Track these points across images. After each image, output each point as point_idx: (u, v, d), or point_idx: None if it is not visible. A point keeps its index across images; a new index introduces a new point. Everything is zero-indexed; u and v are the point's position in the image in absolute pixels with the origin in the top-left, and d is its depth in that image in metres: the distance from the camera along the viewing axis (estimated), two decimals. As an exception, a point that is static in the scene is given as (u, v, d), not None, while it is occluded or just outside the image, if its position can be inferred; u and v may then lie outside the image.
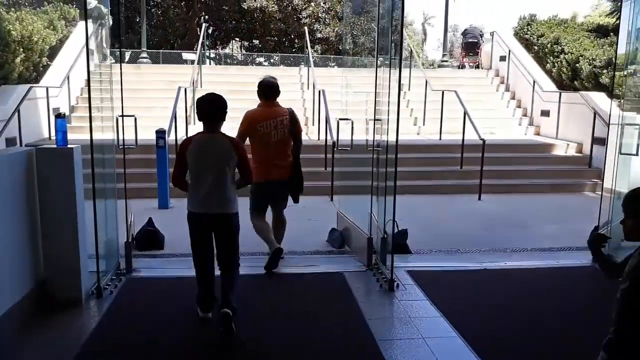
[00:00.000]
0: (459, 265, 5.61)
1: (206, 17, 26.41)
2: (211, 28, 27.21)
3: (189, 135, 4.71)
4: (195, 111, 4.04)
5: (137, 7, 22.09)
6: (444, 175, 9.59)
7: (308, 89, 13.00)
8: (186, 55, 20.68)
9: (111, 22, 13.81)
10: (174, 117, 9.47)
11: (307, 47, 13.54)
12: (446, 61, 16.44)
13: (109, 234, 5.14)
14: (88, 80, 5.23)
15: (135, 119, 6.89)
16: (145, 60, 15.40)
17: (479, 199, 9.05)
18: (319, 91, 10.91)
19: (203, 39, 13.29)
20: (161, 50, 21.03)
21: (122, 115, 6.03)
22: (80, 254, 4.42)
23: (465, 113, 9.83)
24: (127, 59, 20.69)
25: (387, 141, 5.30)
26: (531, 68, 12.67)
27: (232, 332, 3.74)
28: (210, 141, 3.86)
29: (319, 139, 10.86)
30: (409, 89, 13.24)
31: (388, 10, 5.60)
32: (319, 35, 27.75)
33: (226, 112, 3.93)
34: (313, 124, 11.76)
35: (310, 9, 24.36)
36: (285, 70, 14.53)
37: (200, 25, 13.23)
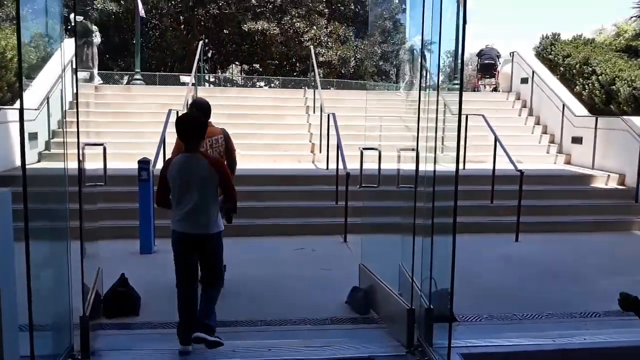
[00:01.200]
0: (526, 343, 4.14)
1: (206, 40, 25.33)
2: (211, 52, 26.07)
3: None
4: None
5: (133, 28, 20.93)
6: (472, 212, 8.15)
7: (314, 112, 11.66)
8: (184, 78, 19.30)
9: (99, 40, 12.54)
10: (163, 143, 8.07)
11: (313, 68, 12.22)
12: (457, 84, 15.11)
13: (58, 301, 3.70)
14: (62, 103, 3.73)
15: (105, 148, 5.45)
16: (138, 82, 14.08)
17: (516, 239, 7.63)
18: (328, 115, 9.55)
19: (200, 58, 11.95)
20: (158, 73, 19.75)
21: (89, 144, 4.60)
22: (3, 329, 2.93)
23: (496, 140, 8.46)
24: (125, 81, 19.44)
25: (435, 171, 3.95)
26: (559, 91, 11.34)
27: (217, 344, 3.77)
28: (190, 161, 3.80)
29: (327, 168, 9.46)
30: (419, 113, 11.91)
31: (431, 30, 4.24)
32: (321, 58, 26.66)
33: (204, 130, 3.91)
34: (321, 151, 10.37)
35: (312, 32, 23.22)
36: (289, 93, 13.20)
37: (202, 49, 11.96)
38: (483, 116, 9.21)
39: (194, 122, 3.90)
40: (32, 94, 10.07)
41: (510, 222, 7.71)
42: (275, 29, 21.40)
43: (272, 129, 11.17)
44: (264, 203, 8.23)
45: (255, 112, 11.62)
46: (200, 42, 11.99)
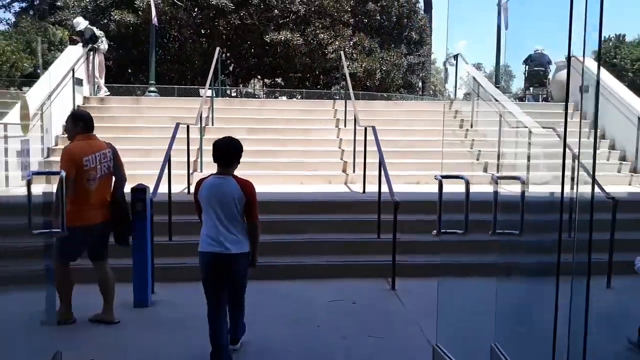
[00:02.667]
0: None
1: (227, 54, 23.97)
2: (232, 65, 24.66)
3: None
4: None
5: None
6: (549, 248, 6.35)
7: (345, 126, 9.99)
8: (204, 91, 17.77)
9: (106, 47, 11.06)
10: (168, 161, 6.47)
11: (344, 77, 10.54)
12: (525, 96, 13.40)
13: None
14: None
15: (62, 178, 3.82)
16: (153, 94, 12.57)
17: (608, 286, 5.85)
18: (365, 128, 7.86)
19: (217, 66, 10.38)
20: (176, 86, 18.33)
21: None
22: None
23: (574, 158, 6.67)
24: (138, 93, 18.04)
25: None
26: (630, 100, 9.52)
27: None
28: (220, 183, 3.79)
29: (364, 192, 7.75)
30: (471, 126, 10.14)
31: None
32: (345, 71, 25.08)
33: (240, 155, 3.90)
34: (354, 170, 8.68)
35: (337, 43, 21.64)
36: (317, 105, 11.50)
37: (219, 56, 10.34)
38: (553, 129, 7.44)
39: (231, 146, 3.86)
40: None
41: (597, 260, 5.91)
42: (298, 39, 19.87)
43: (297, 144, 9.52)
44: (289, 237, 6.55)
45: (279, 125, 9.99)
46: (218, 49, 10.43)
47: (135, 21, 18.33)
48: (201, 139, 8.69)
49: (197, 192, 3.86)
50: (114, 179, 4.81)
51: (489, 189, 3.33)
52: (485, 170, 9.03)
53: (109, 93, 11.09)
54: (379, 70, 22.96)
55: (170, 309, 5.11)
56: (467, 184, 3.43)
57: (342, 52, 12.32)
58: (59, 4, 19.10)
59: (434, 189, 3.67)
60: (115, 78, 21.28)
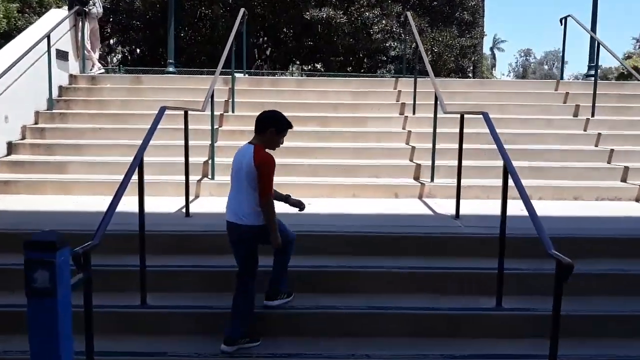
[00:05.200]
0: None
1: (264, 37, 21.03)
2: (269, 49, 21.75)
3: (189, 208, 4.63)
4: None
5: (180, 19, 16.78)
6: None
7: (414, 113, 6.88)
8: (219, 66, 14.63)
9: (100, 11, 8.04)
10: (140, 166, 3.59)
11: (415, 37, 7.38)
12: (592, 75, 9.98)
13: None
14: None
15: None
16: (171, 75, 9.70)
17: None
18: (461, 116, 4.77)
19: (240, 29, 7.39)
20: (204, 70, 15.48)
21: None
22: None
23: None
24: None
25: None
26: None
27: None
28: (241, 150, 3.38)
29: (457, 216, 4.70)
30: (592, 115, 6.89)
31: None
32: (392, 53, 21.77)
33: (269, 123, 3.33)
34: (432, 178, 5.64)
35: (384, 22, 18.35)
36: (372, 84, 8.29)
37: (244, 19, 7.26)
38: None
39: (262, 113, 3.45)
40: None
41: None
42: (342, 17, 16.73)
43: (348, 139, 6.49)
44: (330, 301, 3.60)
45: (322, 112, 6.97)
46: (242, 10, 7.41)
47: (162, -3, 15.50)
48: (212, 131, 5.77)
49: None
50: None
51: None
52: (624, 180, 5.82)
53: (103, 70, 8.28)
54: (430, 52, 19.57)
55: None
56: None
57: (408, 13, 9.02)
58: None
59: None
60: (142, 61, 18.68)
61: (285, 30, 19.39)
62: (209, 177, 5.71)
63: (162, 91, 7.38)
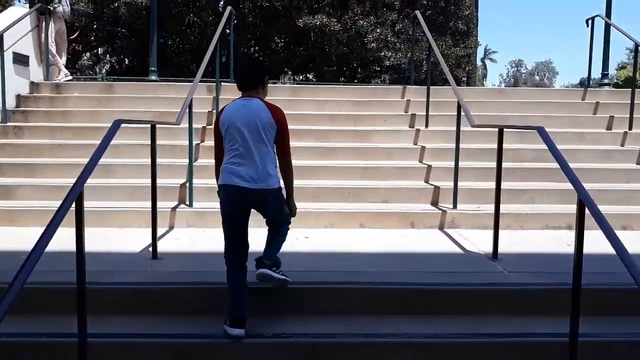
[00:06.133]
0: None
1: (255, 47, 20.04)
2: (261, 58, 20.81)
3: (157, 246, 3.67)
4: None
5: (168, 27, 15.79)
6: None
7: (427, 126, 5.87)
8: (198, 72, 13.51)
9: (68, 10, 6.91)
10: (78, 202, 2.50)
11: (428, 40, 6.39)
12: (607, 84, 9.09)
13: None
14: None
15: None
16: (148, 83, 8.63)
17: None
18: (500, 130, 3.77)
19: (226, 28, 6.37)
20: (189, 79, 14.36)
21: None
22: None
23: None
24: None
25: None
26: None
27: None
28: (244, 105, 2.89)
29: (495, 256, 3.66)
30: (629, 127, 5.93)
31: None
32: (387, 63, 20.91)
33: (265, 76, 3.02)
34: (455, 204, 4.63)
35: (378, 30, 17.50)
36: (377, 93, 7.23)
37: (231, 17, 6.17)
38: None
39: (246, 66, 3.65)
40: None
41: None
42: (336, 25, 15.83)
43: (351, 156, 5.47)
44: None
45: (320, 125, 5.96)
46: (229, 8, 6.37)
47: (147, 2, 14.48)
48: (190, 148, 4.72)
49: (217, 121, 2.95)
50: None
51: None
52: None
53: (71, 77, 7.19)
54: (425, 61, 18.74)
55: None
56: None
57: (417, 12, 7.96)
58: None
59: None
60: (131, 72, 17.59)
61: (277, 39, 18.46)
62: (187, 203, 4.66)
63: (138, 100, 6.32)
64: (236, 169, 2.78)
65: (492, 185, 4.73)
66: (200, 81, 6.42)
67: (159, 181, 4.61)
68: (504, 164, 5.01)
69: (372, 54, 18.39)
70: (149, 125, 4.29)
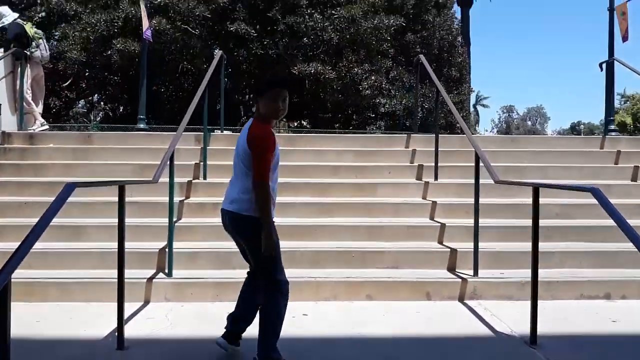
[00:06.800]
0: None
1: (250, 95, 19.80)
2: (255, 106, 20.56)
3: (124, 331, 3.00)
4: None
5: (161, 74, 15.48)
6: None
7: (437, 179, 5.28)
8: (184, 120, 13.08)
9: (46, 54, 6.42)
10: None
11: (434, 83, 5.89)
12: (615, 130, 8.65)
13: None
14: None
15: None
16: (132, 132, 8.05)
17: None
18: (536, 189, 3.16)
19: (218, 75, 5.87)
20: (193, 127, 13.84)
21: None
22: None
23: None
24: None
25: None
26: None
27: None
28: (244, 128, 2.79)
29: (534, 342, 2.96)
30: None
31: None
32: (382, 109, 20.69)
33: (261, 89, 2.82)
34: (477, 271, 3.94)
35: (373, 78, 17.33)
36: (380, 142, 6.63)
37: (221, 62, 5.71)
38: None
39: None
40: None
41: None
42: (331, 73, 15.61)
43: (353, 212, 4.83)
44: None
45: (318, 178, 5.35)
46: (220, 52, 5.92)
47: (141, 50, 14.19)
48: (170, 207, 4.07)
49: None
50: None
51: None
52: None
53: (47, 127, 6.60)
54: (420, 108, 18.52)
55: None
56: None
57: (421, 56, 7.42)
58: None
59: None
60: (125, 120, 17.17)
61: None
62: (166, 271, 3.96)
63: (118, 152, 5.71)
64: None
65: (516, 246, 4.10)
66: (189, 130, 5.87)
67: (135, 244, 3.96)
68: (523, 222, 4.40)
69: (367, 100, 18.16)
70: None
